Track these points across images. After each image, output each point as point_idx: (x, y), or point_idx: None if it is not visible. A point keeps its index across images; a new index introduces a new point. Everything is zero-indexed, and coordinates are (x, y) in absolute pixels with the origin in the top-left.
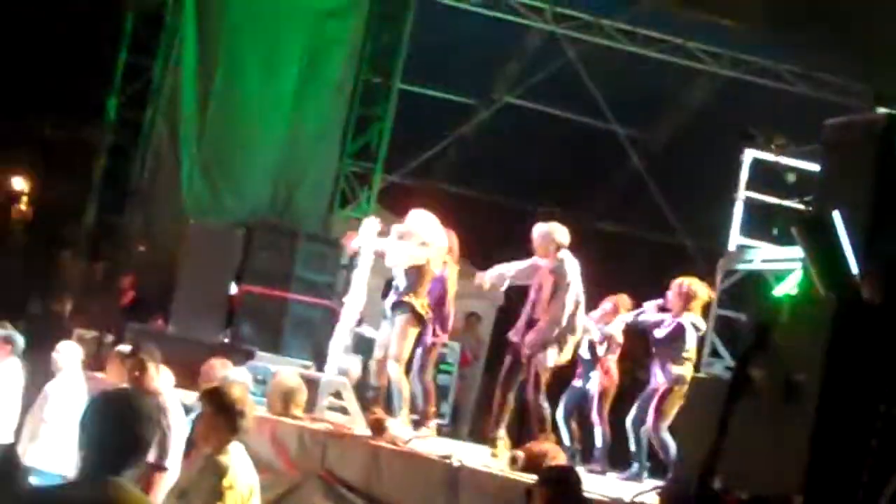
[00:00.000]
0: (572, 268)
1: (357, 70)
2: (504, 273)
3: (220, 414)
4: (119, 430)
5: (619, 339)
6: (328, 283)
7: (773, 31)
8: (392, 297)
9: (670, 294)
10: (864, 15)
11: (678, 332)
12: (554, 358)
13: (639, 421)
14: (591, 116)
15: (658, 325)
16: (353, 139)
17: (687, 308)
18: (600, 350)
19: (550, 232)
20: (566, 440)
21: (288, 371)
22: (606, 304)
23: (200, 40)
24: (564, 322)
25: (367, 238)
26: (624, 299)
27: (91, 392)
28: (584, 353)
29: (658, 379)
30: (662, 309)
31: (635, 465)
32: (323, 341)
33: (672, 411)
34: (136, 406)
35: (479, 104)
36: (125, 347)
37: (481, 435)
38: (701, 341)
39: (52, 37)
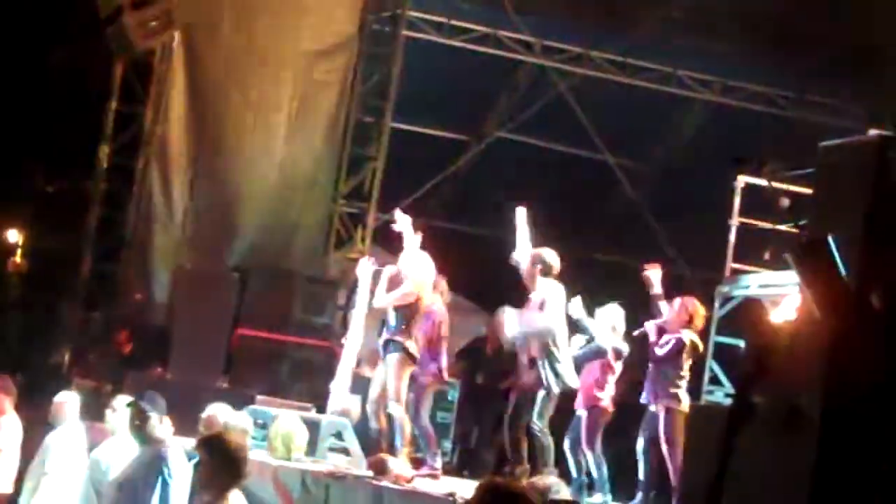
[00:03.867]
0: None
1: (348, 110)
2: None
3: (220, 462)
4: None
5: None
6: (326, 325)
7: (763, 54)
8: (384, 336)
9: (669, 312)
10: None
11: (679, 348)
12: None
13: (649, 446)
14: (584, 148)
15: (659, 343)
16: (347, 179)
17: (687, 325)
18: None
19: (539, 255)
20: (574, 472)
21: (288, 414)
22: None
23: (190, 86)
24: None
25: (363, 278)
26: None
27: (91, 442)
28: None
29: (656, 399)
30: (662, 330)
31: (640, 495)
32: (322, 383)
33: (680, 432)
34: None
35: (472, 140)
36: (126, 397)
37: (482, 471)
38: (701, 365)
39: (41, 88)
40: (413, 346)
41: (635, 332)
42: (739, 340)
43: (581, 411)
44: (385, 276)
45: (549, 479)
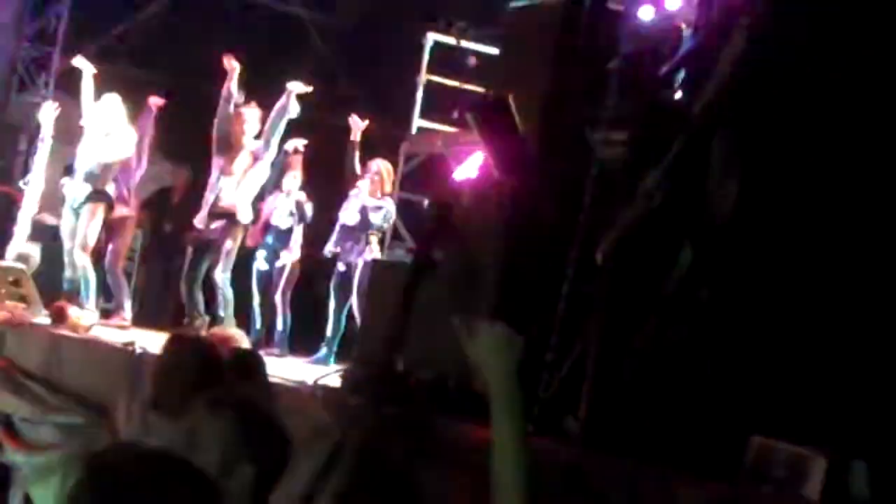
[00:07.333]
0: None
1: None
2: None
3: None
4: None
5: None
6: (5, 169)
7: None
8: (85, 187)
9: (370, 176)
10: None
11: (389, 215)
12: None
13: (342, 303)
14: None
15: (375, 209)
16: (31, 22)
17: (381, 189)
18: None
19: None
20: (257, 324)
21: None
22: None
23: None
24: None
25: (46, 123)
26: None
27: None
28: (281, 225)
29: (354, 254)
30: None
31: (324, 349)
32: (1, 229)
33: None
34: None
35: None
36: None
37: (161, 322)
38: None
39: None
40: (111, 191)
41: (351, 193)
42: (422, 197)
43: (281, 263)
44: (98, 126)
45: (230, 331)
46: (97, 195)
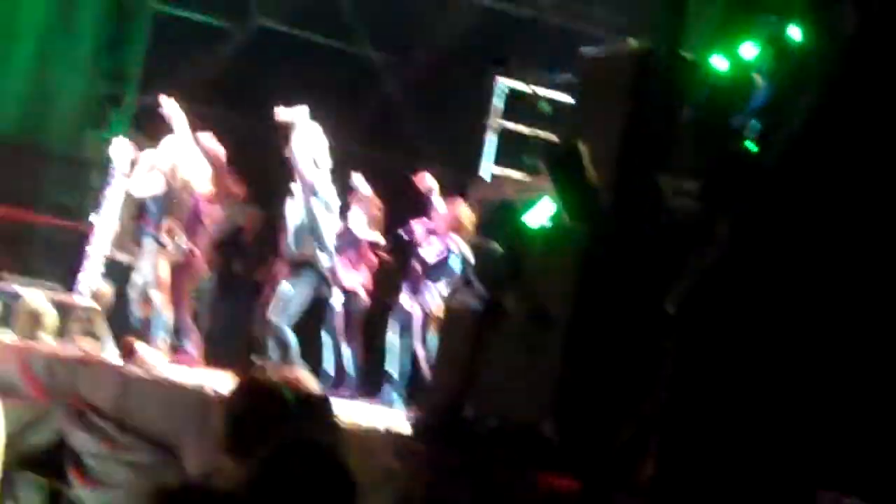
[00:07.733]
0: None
1: None
2: None
3: None
4: None
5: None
6: (79, 206)
7: None
8: (153, 223)
9: (438, 217)
10: None
11: (447, 255)
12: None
13: (400, 339)
14: (347, 41)
15: (429, 246)
16: (107, 59)
17: (455, 231)
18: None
19: None
20: (326, 366)
21: (36, 295)
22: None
23: None
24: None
25: (118, 159)
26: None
27: None
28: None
29: (415, 297)
30: (431, 232)
31: (386, 388)
32: (73, 265)
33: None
34: None
35: (234, 27)
36: None
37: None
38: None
39: None
40: (164, 236)
41: (401, 231)
42: (494, 244)
43: (338, 302)
44: (144, 162)
45: (299, 373)
46: (151, 233)
